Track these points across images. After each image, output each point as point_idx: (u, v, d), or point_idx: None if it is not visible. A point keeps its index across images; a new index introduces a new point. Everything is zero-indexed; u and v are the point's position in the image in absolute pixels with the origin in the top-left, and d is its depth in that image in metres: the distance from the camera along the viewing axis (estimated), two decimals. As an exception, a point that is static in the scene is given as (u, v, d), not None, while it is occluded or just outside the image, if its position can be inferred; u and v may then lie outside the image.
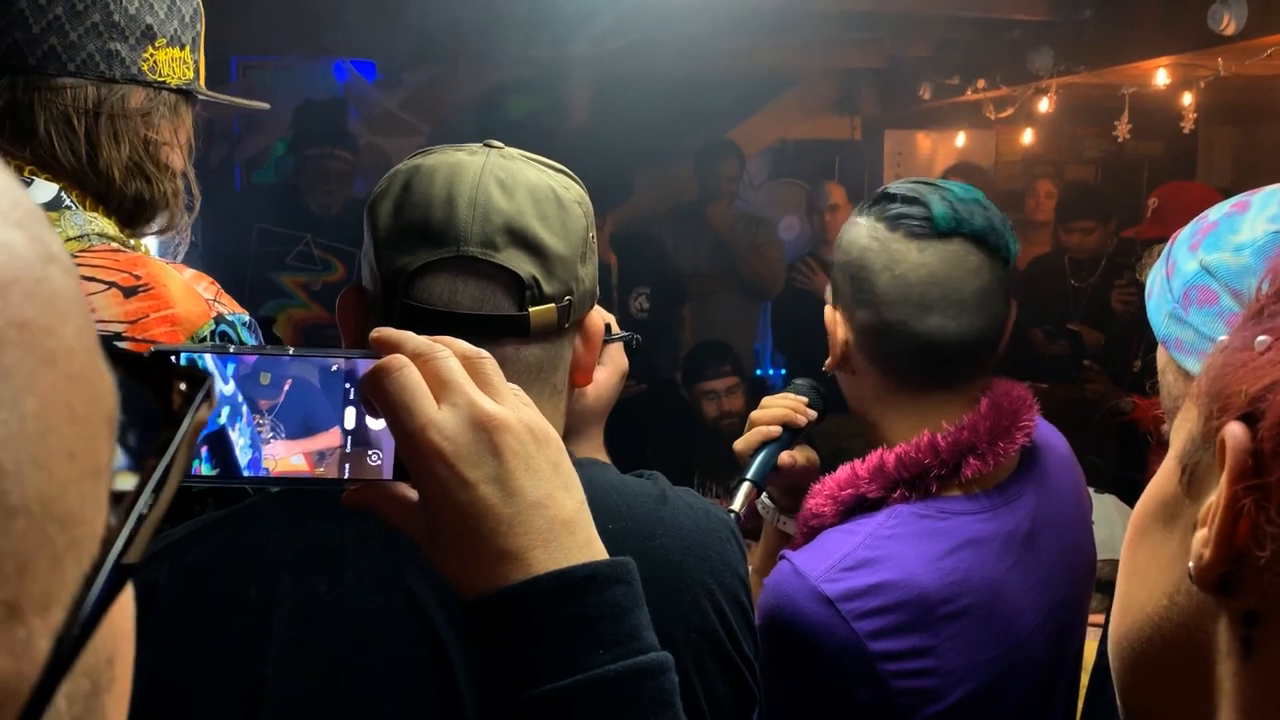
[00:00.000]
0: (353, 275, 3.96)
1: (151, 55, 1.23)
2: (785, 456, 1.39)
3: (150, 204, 1.24)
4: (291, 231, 3.67)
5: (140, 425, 0.30)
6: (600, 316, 1.01)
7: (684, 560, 0.91)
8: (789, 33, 4.53)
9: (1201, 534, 0.50)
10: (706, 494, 3.02)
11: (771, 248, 4.67)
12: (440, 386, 0.63)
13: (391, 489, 0.66)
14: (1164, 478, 0.56)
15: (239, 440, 0.66)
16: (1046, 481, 1.27)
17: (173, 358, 0.61)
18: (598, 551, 0.65)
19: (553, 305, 0.91)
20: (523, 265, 0.90)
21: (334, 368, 0.67)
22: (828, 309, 1.28)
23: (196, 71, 1.31)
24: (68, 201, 1.19)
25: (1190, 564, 0.50)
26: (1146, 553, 0.57)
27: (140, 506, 0.29)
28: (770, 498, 1.47)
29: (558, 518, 0.63)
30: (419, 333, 0.89)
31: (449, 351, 0.65)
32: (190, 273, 1.30)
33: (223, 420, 0.65)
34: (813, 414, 1.41)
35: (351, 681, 0.81)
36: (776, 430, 1.39)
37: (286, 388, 0.67)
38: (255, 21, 3.94)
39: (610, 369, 1.22)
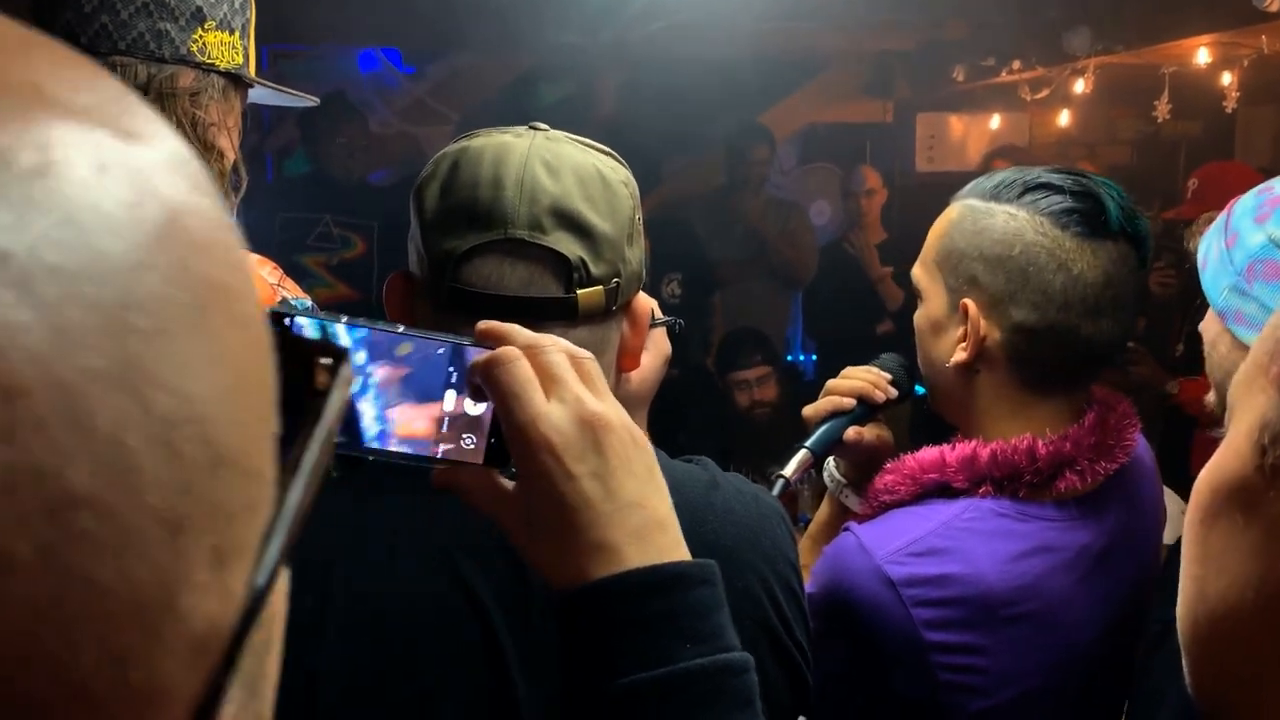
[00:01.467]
0: (371, 250, 3.99)
1: (201, 37, 1.23)
2: (852, 432, 1.34)
3: None
4: (311, 215, 3.72)
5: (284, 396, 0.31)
6: (646, 303, 1.01)
7: (736, 546, 0.90)
8: (819, 16, 4.49)
9: None
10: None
11: (803, 233, 4.62)
12: (549, 381, 0.65)
13: (483, 474, 0.68)
14: (1234, 457, 0.55)
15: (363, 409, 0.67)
16: (1136, 496, 1.23)
17: (288, 321, 0.62)
18: (685, 554, 0.67)
19: (600, 287, 0.91)
20: (570, 247, 0.90)
21: (440, 350, 0.69)
22: (966, 303, 1.18)
23: (246, 58, 1.31)
24: None
25: None
26: (1221, 538, 0.55)
27: (304, 468, 0.30)
28: (838, 470, 1.43)
29: (651, 518, 0.65)
30: (466, 316, 0.89)
31: (559, 347, 0.67)
32: (254, 258, 1.30)
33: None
34: (893, 392, 1.36)
35: (405, 671, 0.81)
36: (849, 402, 1.34)
37: (393, 364, 0.68)
38: (286, 11, 3.96)
39: (653, 354, 1.21)
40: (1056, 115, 4.72)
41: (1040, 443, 1.15)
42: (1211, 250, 1.09)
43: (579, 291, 0.90)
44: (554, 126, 0.99)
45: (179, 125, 1.21)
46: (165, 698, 0.24)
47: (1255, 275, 0.95)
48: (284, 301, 1.22)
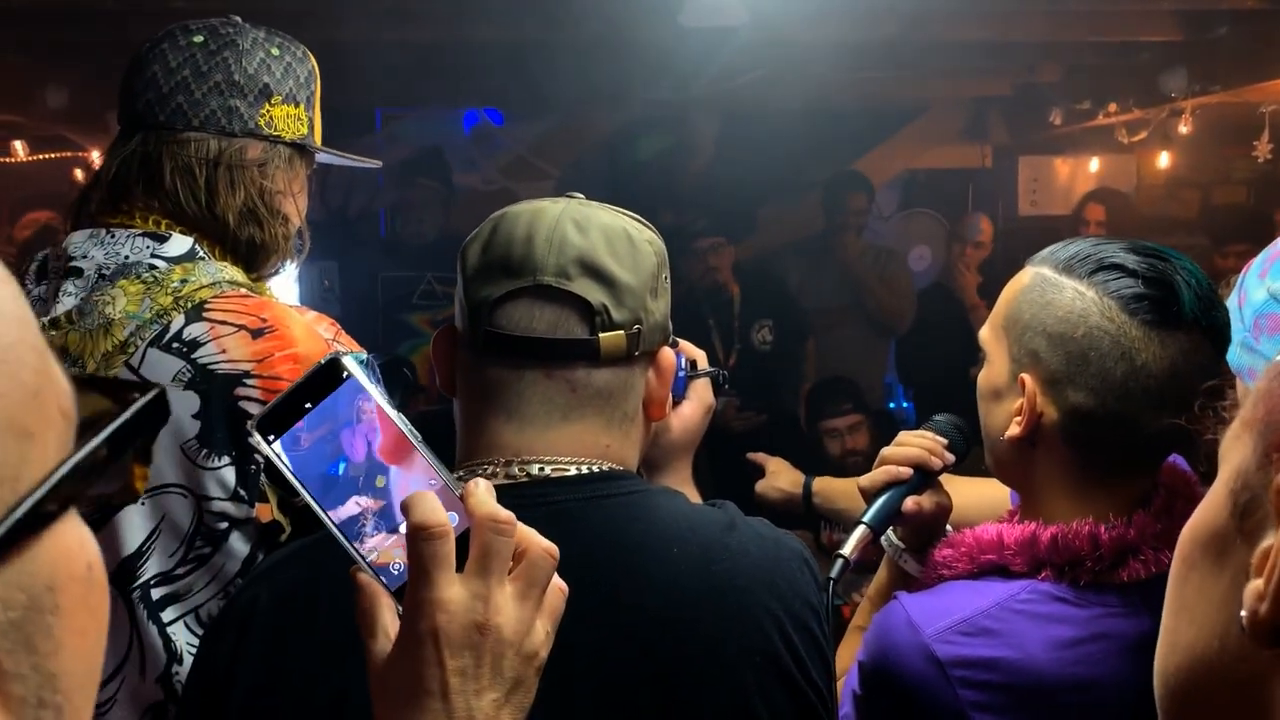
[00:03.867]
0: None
1: (268, 111, 1.35)
2: (910, 503, 1.29)
3: (263, 247, 1.36)
4: (414, 273, 3.88)
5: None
6: (672, 353, 1.06)
7: (749, 586, 0.94)
8: (913, 63, 4.50)
9: (1256, 586, 0.49)
10: (829, 532, 3.00)
11: (901, 280, 4.59)
12: (482, 560, 0.67)
13: (387, 601, 0.69)
14: (1213, 507, 0.55)
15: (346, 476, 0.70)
16: None
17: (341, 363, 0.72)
18: None
19: (622, 332, 0.98)
20: (594, 294, 0.98)
21: (431, 480, 0.70)
22: (1024, 378, 1.13)
23: (311, 128, 1.42)
24: (201, 253, 1.31)
25: (1243, 614, 0.49)
26: (1195, 588, 0.56)
27: (62, 470, 0.38)
28: (896, 534, 1.38)
29: None
30: (499, 358, 0.97)
31: (514, 531, 0.68)
32: (312, 314, 1.41)
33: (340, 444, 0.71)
34: (950, 458, 1.31)
35: None
36: (906, 472, 1.30)
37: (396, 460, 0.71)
38: (397, 76, 4.17)
39: (696, 403, 1.26)
40: (1163, 156, 4.61)
41: (1103, 528, 1.10)
42: (1228, 308, 1.09)
43: (601, 334, 0.98)
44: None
45: (246, 194, 1.33)
46: None
47: (1261, 330, 0.95)
48: (337, 354, 1.32)
